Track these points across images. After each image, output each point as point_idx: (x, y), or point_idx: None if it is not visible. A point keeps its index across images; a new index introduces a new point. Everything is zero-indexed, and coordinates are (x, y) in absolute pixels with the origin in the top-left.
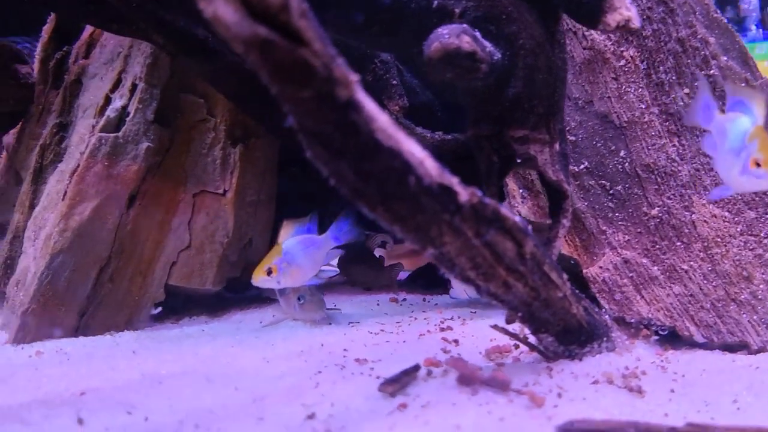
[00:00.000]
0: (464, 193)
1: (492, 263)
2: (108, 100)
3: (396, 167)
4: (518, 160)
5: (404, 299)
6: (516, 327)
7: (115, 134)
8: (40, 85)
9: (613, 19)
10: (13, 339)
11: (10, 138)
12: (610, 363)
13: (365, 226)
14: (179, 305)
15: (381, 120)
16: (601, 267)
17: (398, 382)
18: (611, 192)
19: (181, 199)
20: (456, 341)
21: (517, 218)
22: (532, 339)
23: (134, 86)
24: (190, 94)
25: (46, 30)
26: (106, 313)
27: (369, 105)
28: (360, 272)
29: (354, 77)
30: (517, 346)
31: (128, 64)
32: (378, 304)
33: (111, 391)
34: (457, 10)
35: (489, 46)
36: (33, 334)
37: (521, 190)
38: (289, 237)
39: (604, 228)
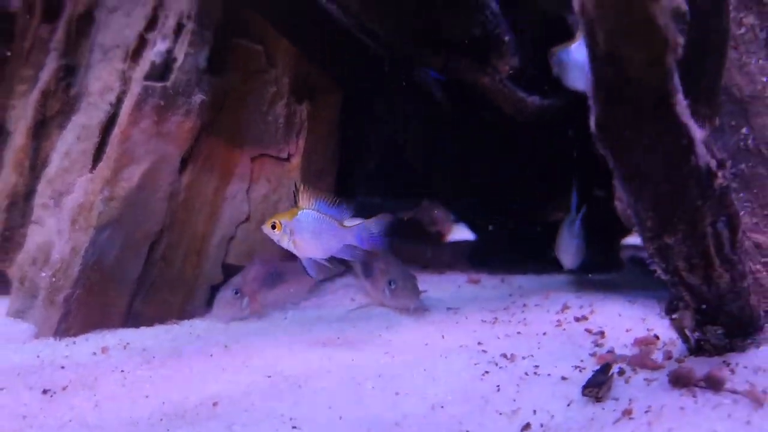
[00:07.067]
0: (720, 176)
1: (711, 253)
2: (143, 42)
3: (684, 145)
4: None
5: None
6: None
7: (163, 83)
8: (26, 14)
9: None
10: (54, 331)
11: None
12: None
13: None
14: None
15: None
16: None
17: (601, 385)
18: (734, 171)
19: (237, 163)
20: (602, 333)
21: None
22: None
23: (180, 26)
24: (244, 39)
25: None
26: (160, 298)
27: None
28: (414, 250)
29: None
30: (657, 337)
31: None
32: (459, 287)
33: (246, 398)
34: None
35: None
36: (79, 324)
37: None
38: (309, 206)
39: None
